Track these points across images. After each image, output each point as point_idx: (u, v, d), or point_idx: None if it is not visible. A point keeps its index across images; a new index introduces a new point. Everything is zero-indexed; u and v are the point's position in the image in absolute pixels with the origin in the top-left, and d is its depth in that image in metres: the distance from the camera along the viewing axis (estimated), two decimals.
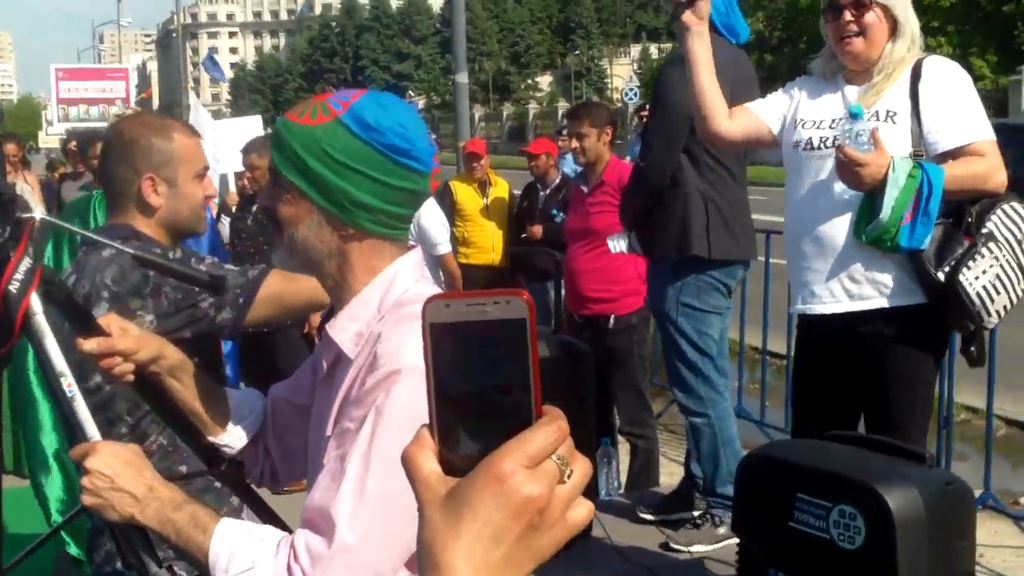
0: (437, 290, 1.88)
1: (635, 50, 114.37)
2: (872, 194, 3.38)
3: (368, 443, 1.68)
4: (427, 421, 0.90)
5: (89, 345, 1.96)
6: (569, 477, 0.87)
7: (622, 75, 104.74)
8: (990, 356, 5.63)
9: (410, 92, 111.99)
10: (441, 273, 6.92)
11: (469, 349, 0.92)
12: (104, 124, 36.40)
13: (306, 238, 1.84)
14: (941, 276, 3.38)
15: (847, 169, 3.36)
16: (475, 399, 0.91)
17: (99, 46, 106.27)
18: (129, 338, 1.99)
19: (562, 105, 64.49)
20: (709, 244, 4.78)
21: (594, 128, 5.89)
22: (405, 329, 1.72)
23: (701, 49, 3.76)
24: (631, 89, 50.38)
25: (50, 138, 36.91)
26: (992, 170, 3.44)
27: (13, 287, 1.88)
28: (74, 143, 11.10)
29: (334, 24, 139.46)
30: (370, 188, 1.78)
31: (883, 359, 3.57)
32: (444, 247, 6.83)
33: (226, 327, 2.65)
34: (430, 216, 6.72)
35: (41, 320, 1.92)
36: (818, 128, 3.68)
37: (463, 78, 14.51)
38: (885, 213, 3.34)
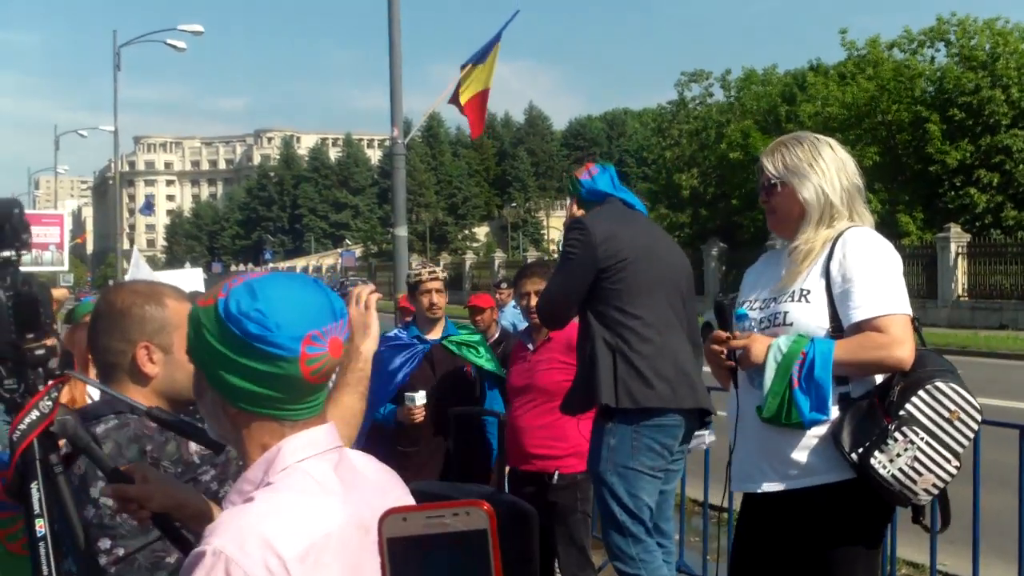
0: (325, 467, 1.85)
1: None
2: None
3: None
4: None
5: (105, 491, 2.18)
6: None
7: (558, 227, 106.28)
8: (931, 513, 5.64)
9: (347, 241, 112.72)
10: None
11: (429, 564, 0.87)
12: (37, 269, 36.02)
13: (208, 413, 1.92)
14: (855, 457, 3.33)
15: (742, 359, 3.54)
16: None
17: (34, 192, 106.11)
18: (147, 486, 2.16)
19: (499, 255, 65.17)
20: (616, 393, 4.78)
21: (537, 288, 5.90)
22: (233, 511, 1.76)
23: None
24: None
25: None
26: (890, 346, 3.36)
27: (16, 434, 2.11)
28: None
29: (272, 174, 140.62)
30: (237, 371, 1.82)
31: (818, 536, 3.50)
32: None
33: None
34: None
35: (35, 465, 2.13)
36: (751, 308, 3.74)
37: (402, 231, 14.65)
38: (766, 382, 3.40)
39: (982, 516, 5.44)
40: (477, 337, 6.81)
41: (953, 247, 35.30)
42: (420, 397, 7.20)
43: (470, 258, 68.40)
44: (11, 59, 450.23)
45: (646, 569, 4.87)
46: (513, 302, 13.13)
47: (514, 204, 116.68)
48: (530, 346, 6.03)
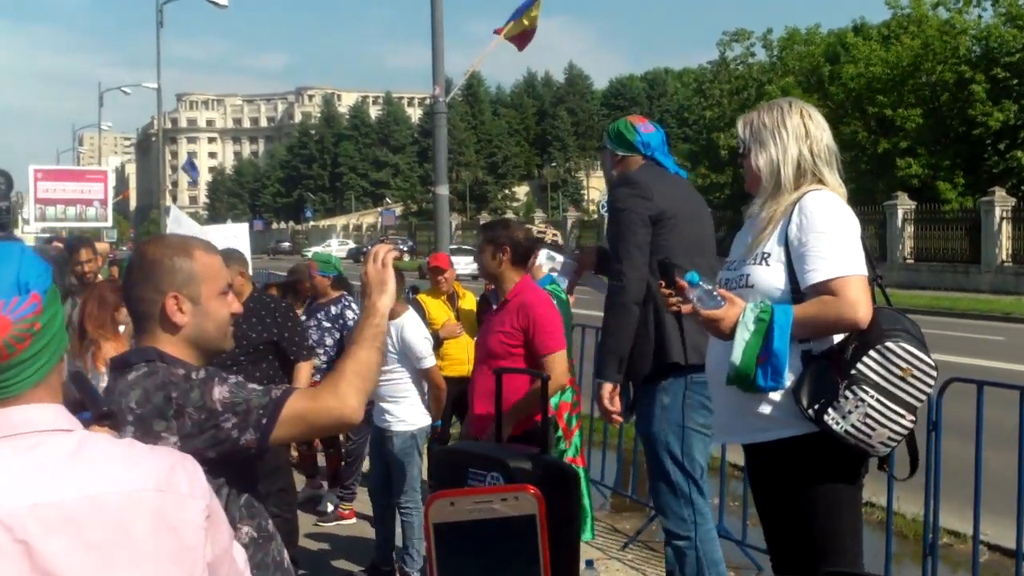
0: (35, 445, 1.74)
1: None
2: None
3: None
4: None
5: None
6: None
7: (598, 187, 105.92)
8: (976, 480, 5.62)
9: (387, 200, 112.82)
10: (425, 386, 6.86)
11: (477, 550, 0.86)
12: (81, 225, 36.32)
13: None
14: (811, 413, 3.46)
15: (707, 326, 3.59)
16: None
17: (78, 148, 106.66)
18: None
19: (538, 215, 65.10)
20: (685, 349, 4.81)
21: (488, 245, 5.60)
22: None
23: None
24: (607, 202, 50.99)
25: (26, 236, 36.92)
26: (845, 309, 3.46)
27: None
28: (55, 243, 11.02)
29: (313, 132, 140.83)
30: None
31: (798, 484, 3.63)
32: (428, 361, 6.78)
33: (251, 448, 2.65)
34: (413, 331, 6.69)
35: None
36: (727, 269, 3.85)
37: (443, 190, 14.63)
38: (736, 356, 3.48)
39: None
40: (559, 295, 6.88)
41: (998, 211, 34.86)
42: None
43: (510, 218, 68.32)
44: (54, 14, 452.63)
45: (698, 531, 4.88)
46: None
47: (554, 164, 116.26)
48: (494, 306, 5.73)
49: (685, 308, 3.66)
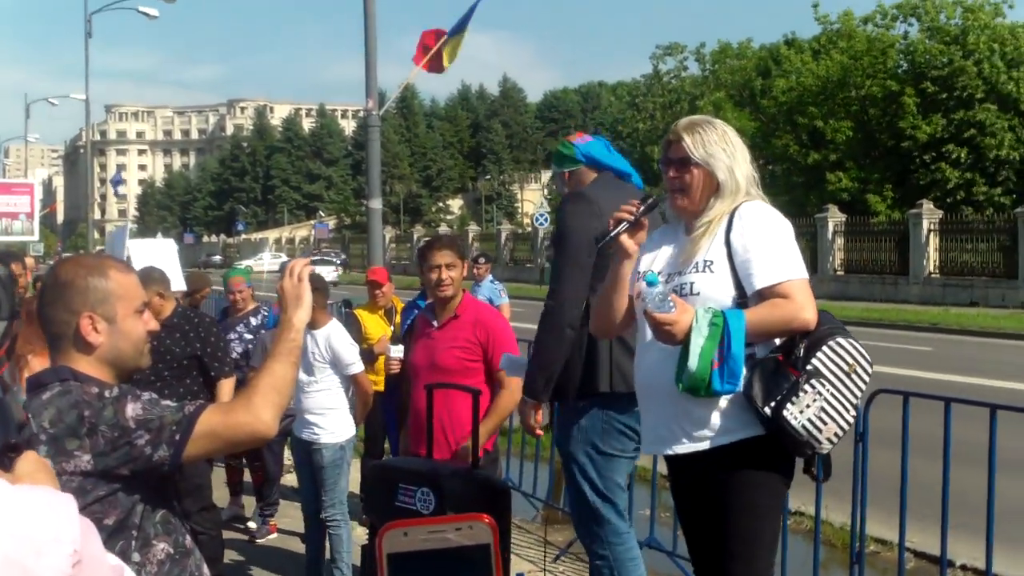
0: None
1: (545, 176, 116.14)
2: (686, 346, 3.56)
3: None
4: None
5: None
6: None
7: (532, 200, 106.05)
8: (902, 489, 5.69)
9: (320, 213, 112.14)
10: (352, 392, 6.84)
11: None
12: (7, 239, 35.68)
13: None
14: (768, 411, 3.54)
15: (659, 330, 3.58)
16: None
17: (4, 160, 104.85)
18: None
19: (473, 228, 65.13)
20: (611, 378, 4.79)
21: (462, 261, 5.66)
22: None
23: (628, 271, 3.91)
24: (541, 214, 51.16)
25: None
26: (796, 311, 3.58)
27: None
28: None
29: (245, 144, 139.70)
30: None
31: (725, 493, 3.69)
32: (356, 367, 6.76)
33: (165, 464, 2.63)
34: (339, 338, 6.67)
35: None
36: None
37: (376, 204, 14.58)
38: (692, 362, 3.52)
39: (950, 494, 5.49)
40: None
41: (925, 223, 35.45)
42: (396, 350, 7.23)
43: (444, 231, 68.24)
44: None
45: (612, 551, 4.89)
46: (491, 277, 13.10)
47: (488, 177, 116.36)
48: (434, 323, 5.67)
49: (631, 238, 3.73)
